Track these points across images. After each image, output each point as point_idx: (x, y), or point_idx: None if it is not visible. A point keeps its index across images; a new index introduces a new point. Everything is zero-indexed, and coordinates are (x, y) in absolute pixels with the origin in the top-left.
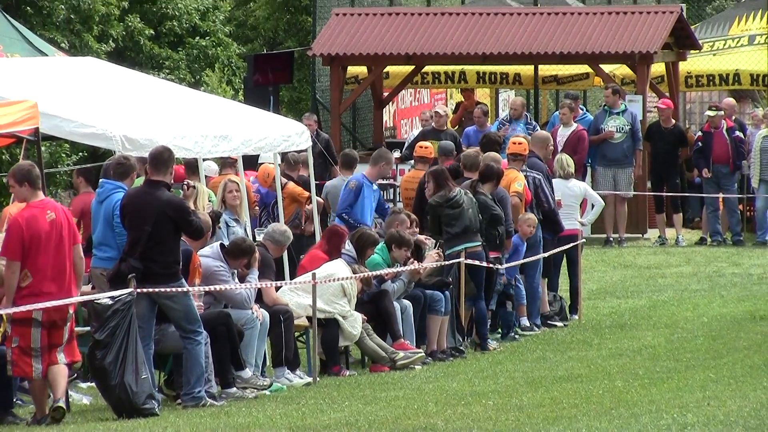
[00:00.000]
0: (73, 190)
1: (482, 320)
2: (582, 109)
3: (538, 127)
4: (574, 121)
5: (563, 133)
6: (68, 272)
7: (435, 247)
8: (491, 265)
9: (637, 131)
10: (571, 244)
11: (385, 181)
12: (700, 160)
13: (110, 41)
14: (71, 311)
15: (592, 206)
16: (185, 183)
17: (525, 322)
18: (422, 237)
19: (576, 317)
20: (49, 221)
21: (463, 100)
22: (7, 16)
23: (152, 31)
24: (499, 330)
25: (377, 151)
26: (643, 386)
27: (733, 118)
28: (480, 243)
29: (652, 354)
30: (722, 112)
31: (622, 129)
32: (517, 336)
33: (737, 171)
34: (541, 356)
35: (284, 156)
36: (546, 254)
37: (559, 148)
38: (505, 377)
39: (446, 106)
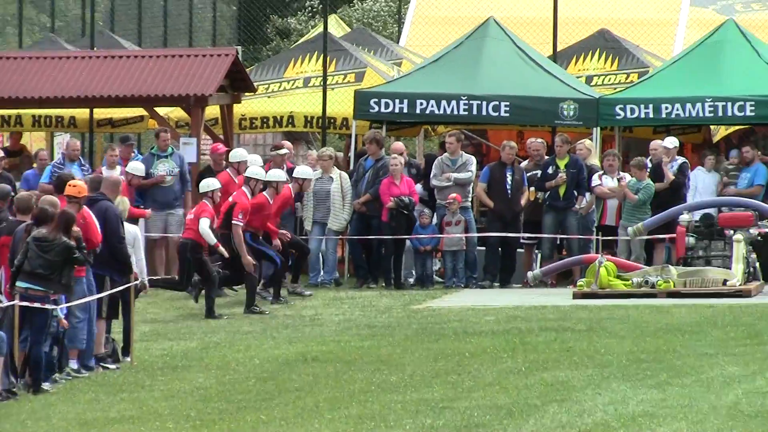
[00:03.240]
0: None
1: (38, 365)
2: (135, 152)
3: (90, 170)
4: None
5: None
6: None
7: None
8: (45, 306)
9: (185, 173)
10: (125, 286)
11: None
12: None
13: None
14: None
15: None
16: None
17: (74, 365)
18: None
19: (128, 359)
20: None
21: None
22: None
23: None
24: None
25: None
26: (194, 427)
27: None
28: (33, 285)
29: (204, 395)
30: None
31: (172, 172)
32: (58, 379)
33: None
34: (93, 398)
35: None
36: (100, 295)
37: None
38: (58, 419)
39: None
